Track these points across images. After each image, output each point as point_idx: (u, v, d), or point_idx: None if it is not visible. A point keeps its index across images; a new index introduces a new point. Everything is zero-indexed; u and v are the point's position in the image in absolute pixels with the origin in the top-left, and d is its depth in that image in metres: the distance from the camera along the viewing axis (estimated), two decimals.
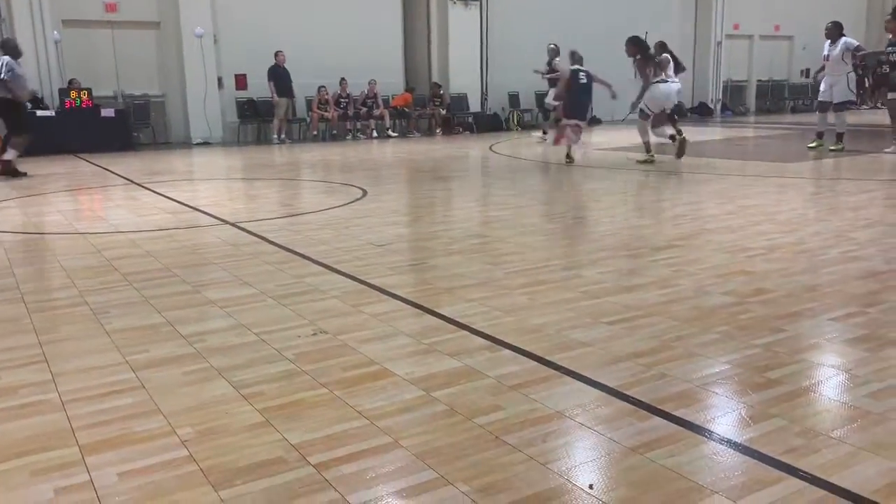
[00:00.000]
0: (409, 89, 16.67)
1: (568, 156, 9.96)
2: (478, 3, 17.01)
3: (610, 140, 13.62)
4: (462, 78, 17.10)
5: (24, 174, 9.67)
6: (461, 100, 17.22)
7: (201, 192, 8.45)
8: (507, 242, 5.20)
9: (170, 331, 3.37)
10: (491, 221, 6.22)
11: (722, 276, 4.10)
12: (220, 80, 14.72)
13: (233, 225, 6.09)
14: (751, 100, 22.18)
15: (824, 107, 10.85)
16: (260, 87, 14.82)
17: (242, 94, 15.10)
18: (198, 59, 14.31)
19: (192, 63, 14.32)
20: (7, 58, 9.37)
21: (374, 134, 15.75)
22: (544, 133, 13.84)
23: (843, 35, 10.34)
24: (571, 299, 3.72)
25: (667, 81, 9.60)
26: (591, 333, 3.20)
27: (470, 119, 17.15)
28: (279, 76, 14.54)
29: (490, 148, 12.92)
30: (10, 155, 9.69)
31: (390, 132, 15.91)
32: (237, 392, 2.65)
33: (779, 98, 22.25)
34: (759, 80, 22.26)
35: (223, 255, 4.97)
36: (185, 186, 8.85)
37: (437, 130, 16.47)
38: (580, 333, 3.20)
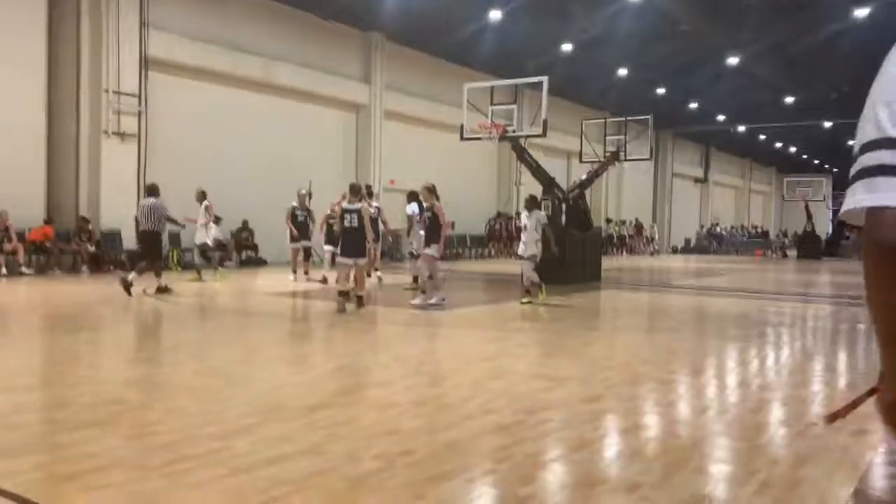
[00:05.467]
0: (47, 221, 15.04)
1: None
2: (136, 137, 16.35)
3: (274, 284, 13.65)
4: (115, 212, 15.98)
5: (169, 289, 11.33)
6: (114, 236, 16.02)
7: None
8: (151, 408, 4.74)
9: None
10: (137, 382, 5.65)
11: (372, 438, 4.16)
12: None
13: None
14: (406, 246, 24.15)
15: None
16: None
17: None
18: None
19: None
20: (155, 200, 11.50)
21: (4, 271, 13.79)
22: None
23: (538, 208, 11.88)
24: (218, 477, 3.45)
25: None
26: None
27: (123, 257, 15.97)
28: None
29: (144, 291, 12.06)
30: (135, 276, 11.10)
31: (24, 269, 14.09)
32: None
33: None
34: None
35: None
36: None
37: (84, 268, 15.02)
38: None
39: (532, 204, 11.63)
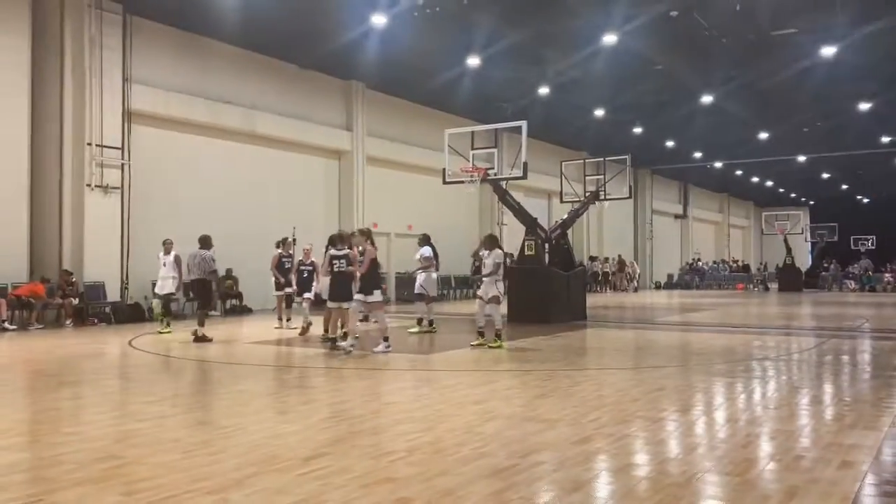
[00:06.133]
0: (44, 280, 14.92)
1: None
2: (119, 189, 16.41)
3: (260, 332, 13.61)
4: (99, 266, 15.97)
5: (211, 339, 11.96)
6: (97, 289, 15.96)
7: None
8: (144, 464, 4.71)
9: None
10: (127, 437, 5.61)
11: (368, 486, 4.18)
12: None
13: None
14: (391, 289, 24.18)
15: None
16: None
17: None
18: None
19: None
20: (206, 252, 12.21)
21: None
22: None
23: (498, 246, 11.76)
24: None
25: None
26: None
27: (108, 309, 15.89)
28: None
29: (130, 343, 11.99)
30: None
31: (6, 325, 13.95)
32: None
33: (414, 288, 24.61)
34: (397, 273, 24.50)
35: None
36: None
37: (68, 322, 14.90)
38: None
39: (492, 243, 11.48)
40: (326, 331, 11.67)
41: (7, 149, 15.15)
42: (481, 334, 11.27)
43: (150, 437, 5.52)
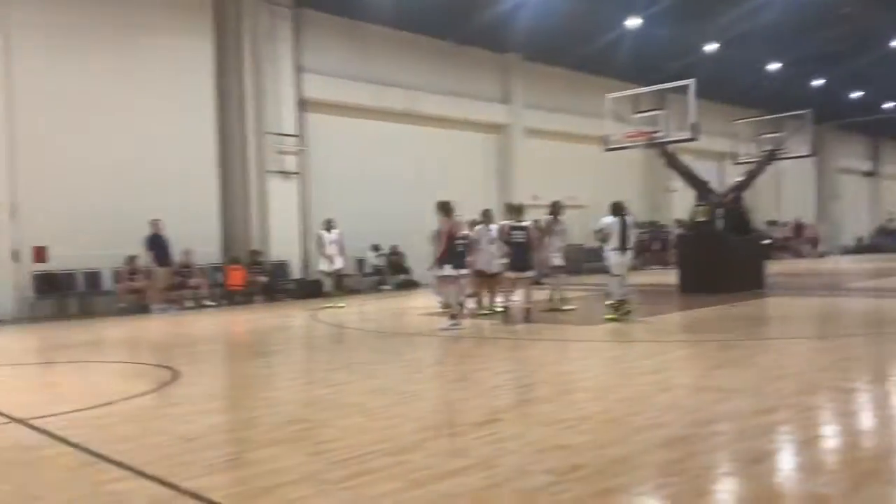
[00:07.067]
0: (235, 259, 16.33)
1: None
2: (296, 174, 17.51)
3: (428, 305, 14.03)
4: (282, 245, 17.22)
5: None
6: (282, 266, 17.20)
7: None
8: (330, 426, 5.06)
9: None
10: (314, 402, 6.06)
11: (542, 452, 4.22)
12: (15, 252, 13.67)
13: (20, 422, 5.45)
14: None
15: None
16: (62, 259, 13.97)
17: (41, 267, 14.05)
18: None
19: None
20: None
21: (191, 304, 15.15)
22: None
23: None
24: (397, 490, 3.64)
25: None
26: None
27: (292, 285, 17.10)
28: (159, 245, 14.37)
29: (313, 316, 12.83)
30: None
31: (207, 302, 15.39)
32: None
33: (578, 261, 24.33)
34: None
35: (5, 462, 4.39)
36: None
37: (259, 298, 16.19)
38: None
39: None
40: (480, 303, 11.70)
41: (198, 143, 16.57)
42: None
43: (334, 402, 5.91)
